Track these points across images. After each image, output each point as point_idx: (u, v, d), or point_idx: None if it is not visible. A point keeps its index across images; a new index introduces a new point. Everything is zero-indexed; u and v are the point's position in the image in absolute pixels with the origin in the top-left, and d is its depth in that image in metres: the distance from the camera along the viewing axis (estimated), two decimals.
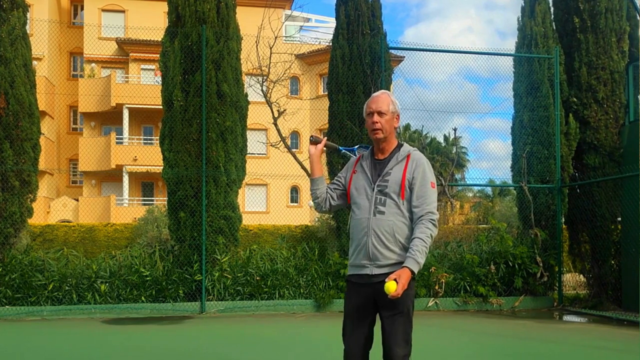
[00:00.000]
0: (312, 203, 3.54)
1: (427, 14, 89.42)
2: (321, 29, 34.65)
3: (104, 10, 30.78)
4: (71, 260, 9.93)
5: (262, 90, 11.54)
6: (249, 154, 10.59)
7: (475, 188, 37.80)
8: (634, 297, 9.10)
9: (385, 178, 3.09)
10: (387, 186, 3.07)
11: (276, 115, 11.35)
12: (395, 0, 79.01)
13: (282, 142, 11.59)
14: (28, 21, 10.24)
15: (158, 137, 11.02)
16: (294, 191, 31.08)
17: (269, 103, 11.32)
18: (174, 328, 8.30)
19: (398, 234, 3.03)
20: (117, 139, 28.95)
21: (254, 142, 14.57)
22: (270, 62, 11.31)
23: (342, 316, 3.19)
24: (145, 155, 27.12)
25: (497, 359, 6.47)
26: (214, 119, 9.82)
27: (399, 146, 3.20)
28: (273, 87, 11.53)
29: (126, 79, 30.35)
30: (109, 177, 29.60)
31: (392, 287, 2.85)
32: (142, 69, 30.50)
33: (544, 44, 10.97)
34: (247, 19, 14.39)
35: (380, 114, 3.13)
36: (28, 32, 10.13)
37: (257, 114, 13.12)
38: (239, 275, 9.82)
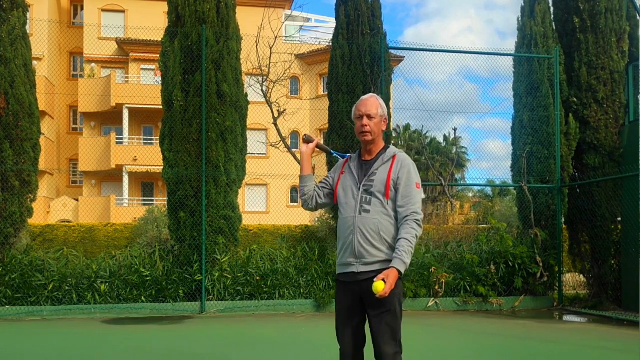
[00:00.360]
0: None
1: (427, 14, 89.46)
2: (321, 29, 34.66)
3: (104, 10, 30.78)
4: (71, 260, 9.93)
5: (262, 90, 11.56)
6: (249, 154, 10.59)
7: (475, 188, 37.83)
8: (634, 297, 9.10)
9: (371, 178, 3.17)
10: (373, 186, 3.14)
11: (276, 115, 11.36)
12: (395, 0, 79.04)
13: (282, 142, 11.60)
14: (28, 21, 10.24)
15: (158, 137, 11.03)
16: (294, 191, 31.08)
17: (269, 103, 11.34)
18: (174, 328, 8.30)
19: (383, 232, 3.09)
20: (117, 139, 28.95)
21: (254, 142, 14.58)
22: (270, 62, 11.33)
23: None
24: (145, 155, 27.13)
25: (497, 359, 6.47)
26: (214, 119, 9.82)
27: (385, 148, 3.29)
28: (273, 87, 11.54)
29: (126, 79, 30.36)
30: (109, 177, 29.60)
31: (379, 287, 2.92)
32: (142, 69, 30.51)
33: (544, 44, 10.97)
34: (247, 19, 14.39)
35: (369, 117, 3.21)
36: (28, 32, 10.13)
37: (257, 114, 13.13)
38: (239, 275, 9.82)
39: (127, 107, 29.08)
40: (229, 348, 6.85)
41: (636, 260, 8.98)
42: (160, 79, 10.53)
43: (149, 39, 26.33)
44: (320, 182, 3.41)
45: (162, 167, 10.03)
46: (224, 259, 9.80)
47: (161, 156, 10.04)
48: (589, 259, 10.82)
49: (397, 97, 11.52)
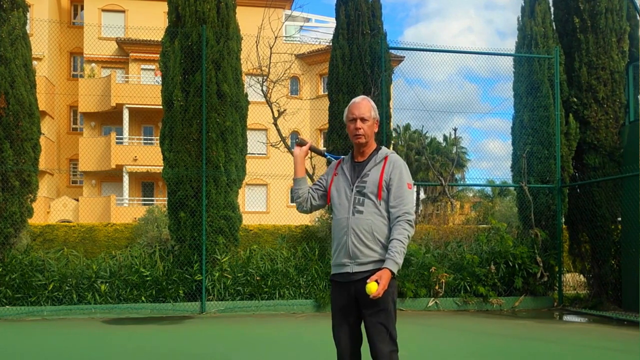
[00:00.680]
0: None
1: (427, 14, 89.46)
2: (321, 29, 34.66)
3: (104, 10, 30.78)
4: (71, 260, 9.93)
5: (262, 90, 11.55)
6: (249, 154, 10.59)
7: (475, 188, 37.84)
8: (634, 297, 9.11)
9: (363, 179, 3.20)
10: (365, 187, 3.18)
11: (276, 115, 11.36)
12: (395, 0, 79.03)
13: (282, 142, 11.60)
14: (28, 21, 10.24)
15: (158, 137, 11.02)
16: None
17: (269, 103, 11.33)
18: (174, 328, 8.30)
19: (377, 233, 3.13)
20: (117, 139, 28.96)
21: (254, 142, 14.58)
22: (270, 62, 11.32)
23: None
24: (145, 155, 27.12)
25: (497, 359, 6.47)
26: (214, 119, 9.82)
27: (378, 149, 3.31)
28: (273, 87, 11.54)
29: (126, 79, 30.36)
30: (109, 177, 29.61)
31: (373, 287, 2.97)
32: (142, 69, 30.51)
33: (544, 44, 10.97)
34: (247, 19, 14.39)
35: (362, 120, 3.25)
36: (28, 32, 10.13)
37: (257, 114, 13.12)
38: (239, 275, 9.82)
39: (127, 107, 29.08)
40: (229, 348, 6.85)
41: (636, 260, 8.98)
42: (160, 79, 10.53)
43: (149, 39, 26.33)
44: (314, 183, 3.45)
45: (162, 167, 10.03)
46: (224, 259, 9.80)
47: (161, 156, 10.04)
48: (589, 259, 10.82)
49: (397, 97, 11.53)
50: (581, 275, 11.47)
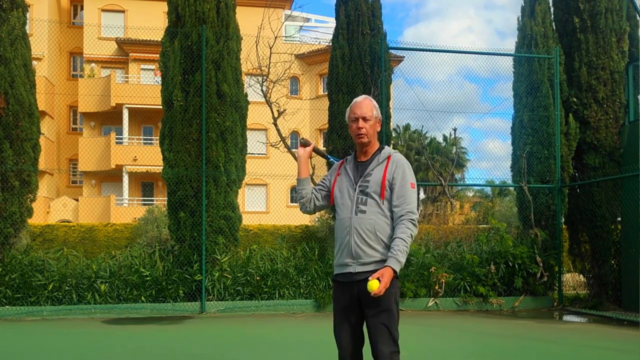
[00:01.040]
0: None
1: (427, 14, 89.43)
2: (321, 29, 34.65)
3: (103, 10, 30.77)
4: (71, 260, 9.93)
5: (262, 90, 11.54)
6: (249, 154, 10.59)
7: (475, 188, 37.82)
8: (634, 297, 9.10)
9: (366, 179, 3.19)
10: (368, 186, 3.16)
11: (276, 115, 11.34)
12: (395, 0, 79.02)
13: (282, 142, 11.59)
14: (28, 21, 10.23)
15: (158, 137, 11.02)
16: (294, 191, 30.87)
17: (268, 103, 11.32)
18: (174, 328, 8.30)
19: (380, 232, 3.11)
20: (117, 139, 28.95)
21: (254, 142, 14.57)
22: (270, 62, 11.31)
23: None
24: (145, 155, 27.11)
25: (497, 359, 6.47)
26: (214, 119, 9.82)
27: (380, 148, 3.30)
28: (273, 87, 11.52)
29: (126, 79, 30.35)
30: (109, 177, 29.60)
31: (374, 285, 2.94)
32: (142, 69, 30.50)
33: (544, 44, 10.96)
34: (247, 19, 14.38)
35: (365, 119, 3.23)
36: (28, 32, 10.12)
37: (257, 114, 13.11)
38: (239, 275, 9.82)
39: (127, 107, 29.07)
40: (229, 348, 6.85)
41: (636, 260, 8.98)
42: (160, 79, 10.53)
43: (149, 39, 26.31)
44: (317, 184, 3.43)
45: (162, 167, 10.03)
46: (224, 259, 9.80)
47: (161, 156, 10.04)
48: (589, 259, 10.82)
49: (397, 97, 11.53)
50: (581, 275, 11.47)
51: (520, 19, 11.36)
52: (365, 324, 3.15)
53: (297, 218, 13.10)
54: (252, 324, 8.64)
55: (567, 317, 9.79)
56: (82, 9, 31.88)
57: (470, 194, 41.56)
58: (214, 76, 9.90)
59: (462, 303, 10.32)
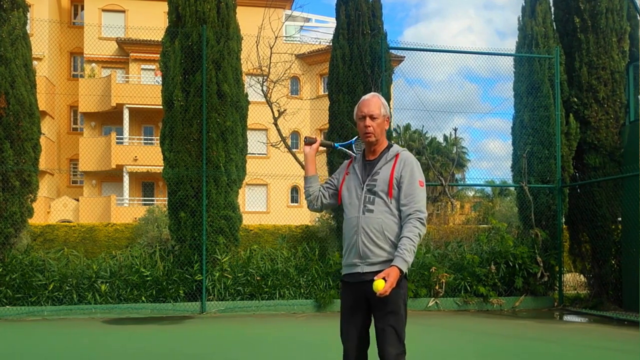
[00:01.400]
0: None
1: (427, 13, 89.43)
2: (321, 29, 34.65)
3: (104, 10, 30.79)
4: (71, 260, 9.93)
5: (262, 90, 11.55)
6: (249, 154, 10.59)
7: (476, 188, 37.80)
8: (634, 297, 9.10)
9: (374, 177, 3.15)
10: (376, 185, 3.12)
11: (276, 115, 11.36)
12: (395, 0, 79.02)
13: (282, 142, 11.60)
14: (28, 21, 10.24)
15: (158, 137, 11.02)
16: (294, 191, 31.06)
17: (269, 103, 11.34)
18: (175, 328, 8.30)
19: (387, 232, 3.07)
20: (117, 139, 28.96)
21: (254, 142, 14.57)
22: (270, 62, 11.33)
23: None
24: (146, 155, 27.13)
25: (497, 359, 6.47)
26: (215, 119, 9.82)
27: (389, 147, 3.26)
28: (273, 87, 11.55)
29: (126, 79, 30.36)
30: (110, 177, 29.62)
31: (380, 285, 2.89)
32: (143, 69, 30.51)
33: (545, 43, 10.96)
34: (247, 19, 14.38)
35: (372, 118, 3.19)
36: (28, 32, 10.13)
37: (257, 114, 13.12)
38: (239, 275, 9.82)
39: (127, 107, 29.08)
40: (229, 348, 6.85)
41: (637, 260, 8.98)
42: (160, 79, 10.53)
43: (149, 39, 26.33)
44: (325, 182, 3.41)
45: (162, 167, 10.04)
46: (225, 259, 9.80)
47: (161, 156, 10.04)
48: (589, 259, 10.81)
49: (397, 97, 11.53)
50: (581, 275, 11.46)
51: (520, 18, 11.36)
52: (372, 325, 3.12)
53: (297, 218, 13.12)
54: (253, 324, 8.64)
55: (567, 317, 9.78)
56: (82, 9, 31.90)
57: (471, 194, 41.52)
58: (215, 76, 9.90)
59: (462, 303, 10.32)
